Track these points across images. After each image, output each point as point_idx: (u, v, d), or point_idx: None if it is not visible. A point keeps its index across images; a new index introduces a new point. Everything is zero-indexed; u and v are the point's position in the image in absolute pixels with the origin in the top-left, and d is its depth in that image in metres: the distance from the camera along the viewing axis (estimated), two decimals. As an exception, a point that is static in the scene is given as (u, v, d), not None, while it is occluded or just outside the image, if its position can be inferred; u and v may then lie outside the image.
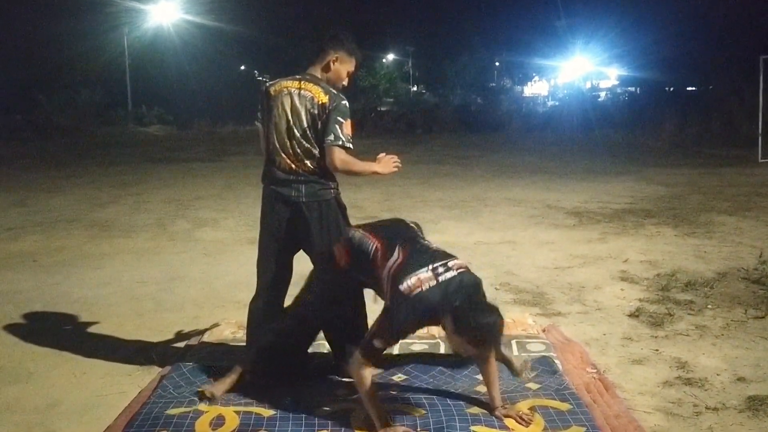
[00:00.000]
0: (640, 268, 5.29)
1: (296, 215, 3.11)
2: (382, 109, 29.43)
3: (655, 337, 3.80)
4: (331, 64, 3.18)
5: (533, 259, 5.66)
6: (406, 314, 2.58)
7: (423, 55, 38.44)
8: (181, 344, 3.78)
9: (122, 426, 2.76)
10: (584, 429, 2.63)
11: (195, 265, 5.70)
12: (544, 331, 3.78)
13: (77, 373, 3.43)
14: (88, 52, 26.84)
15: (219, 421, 2.77)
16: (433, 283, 2.56)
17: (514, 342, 3.52)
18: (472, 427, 2.65)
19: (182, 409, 2.85)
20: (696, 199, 8.61)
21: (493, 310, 2.55)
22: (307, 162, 3.08)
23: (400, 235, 2.83)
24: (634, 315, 4.17)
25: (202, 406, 2.88)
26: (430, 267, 2.60)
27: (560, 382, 3.05)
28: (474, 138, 19.11)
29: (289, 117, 3.08)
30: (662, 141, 16.71)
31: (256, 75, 35.34)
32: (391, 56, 42.21)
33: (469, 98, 30.64)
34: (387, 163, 3.15)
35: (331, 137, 3.01)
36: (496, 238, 6.55)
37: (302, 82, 3.12)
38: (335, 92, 3.11)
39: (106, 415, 2.91)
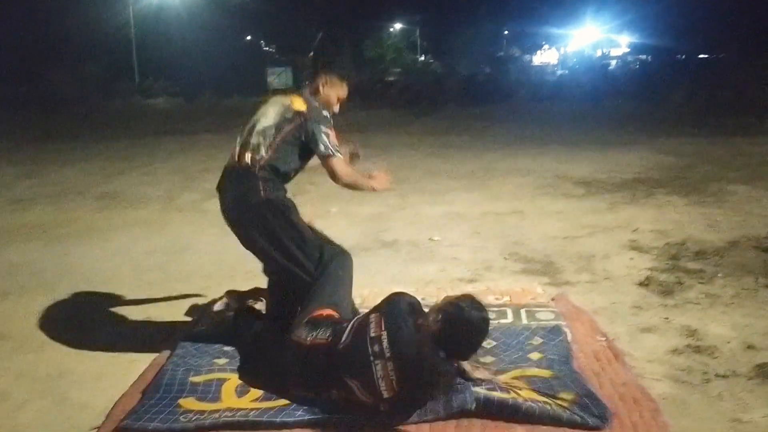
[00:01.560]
0: (650, 237, 5.26)
1: (226, 215, 3.19)
2: (389, 79, 29.13)
3: (665, 305, 3.79)
4: (321, 87, 3.15)
5: (542, 229, 5.64)
6: (442, 391, 2.53)
7: (430, 24, 37.92)
8: (191, 314, 3.80)
9: (138, 393, 2.79)
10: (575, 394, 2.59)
11: (203, 236, 5.70)
12: (553, 300, 3.78)
13: (87, 343, 3.46)
14: (93, 23, 26.64)
15: (244, 388, 2.80)
16: (390, 366, 2.46)
17: (523, 311, 3.52)
18: (475, 388, 2.64)
19: (205, 377, 2.88)
20: (706, 168, 8.53)
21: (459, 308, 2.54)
22: (250, 155, 3.00)
23: (333, 366, 2.60)
24: (644, 284, 4.16)
25: (224, 374, 2.91)
26: (372, 358, 2.49)
27: (563, 353, 2.99)
28: (482, 108, 18.92)
29: (260, 113, 3.12)
30: (672, 110, 16.52)
31: (262, 45, 35.06)
32: (398, 26, 41.70)
33: (477, 68, 30.30)
34: (383, 181, 3.17)
35: (322, 147, 2.98)
36: (505, 208, 6.52)
37: (291, 95, 3.13)
38: (317, 104, 3.08)
39: (118, 383, 2.94)
